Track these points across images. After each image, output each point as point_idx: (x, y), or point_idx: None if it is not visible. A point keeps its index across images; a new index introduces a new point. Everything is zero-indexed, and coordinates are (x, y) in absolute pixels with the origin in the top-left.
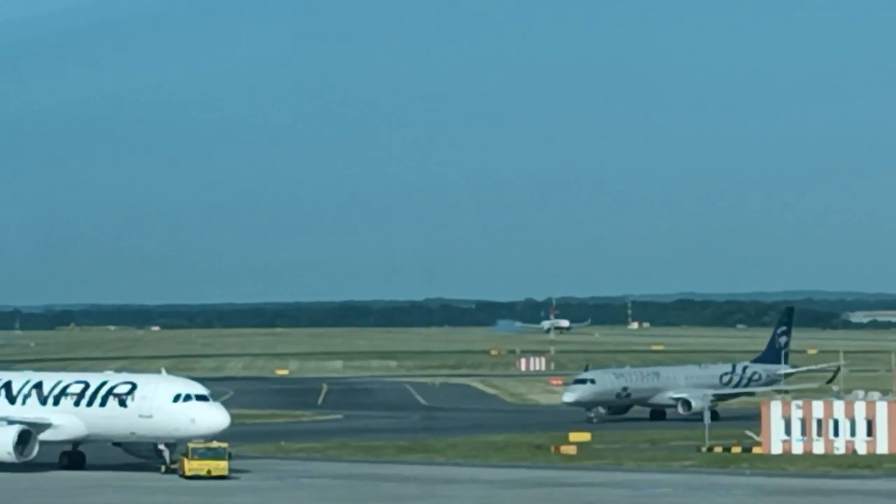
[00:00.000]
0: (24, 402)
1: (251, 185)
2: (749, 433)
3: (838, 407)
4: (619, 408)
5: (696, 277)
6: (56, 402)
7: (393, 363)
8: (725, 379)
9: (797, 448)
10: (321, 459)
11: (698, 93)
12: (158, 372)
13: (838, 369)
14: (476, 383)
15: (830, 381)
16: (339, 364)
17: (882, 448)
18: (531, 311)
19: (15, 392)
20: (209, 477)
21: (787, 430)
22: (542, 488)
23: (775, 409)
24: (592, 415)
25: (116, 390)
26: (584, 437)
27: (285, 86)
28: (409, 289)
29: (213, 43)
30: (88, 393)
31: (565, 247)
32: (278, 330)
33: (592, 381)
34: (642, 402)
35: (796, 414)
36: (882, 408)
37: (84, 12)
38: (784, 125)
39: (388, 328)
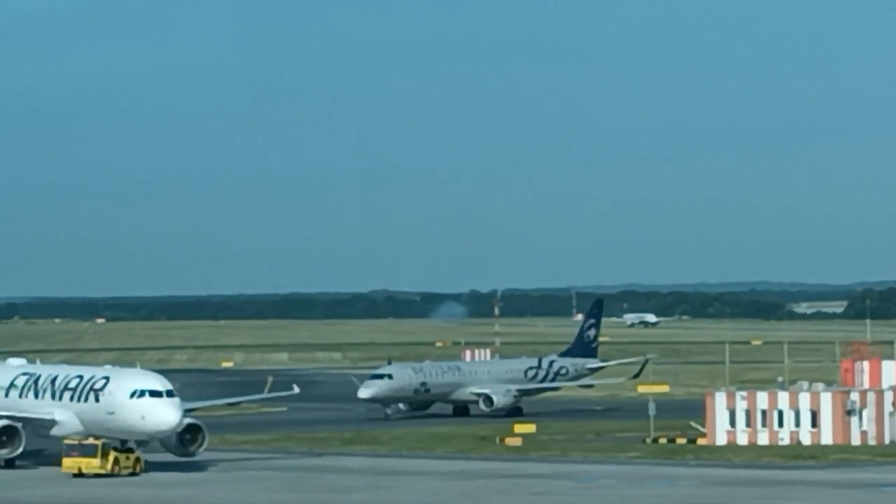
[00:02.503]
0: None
1: (197, 176)
2: (694, 424)
3: (783, 398)
4: (420, 404)
5: (640, 268)
6: (56, 397)
7: (338, 355)
8: (531, 374)
9: (742, 439)
10: (266, 452)
11: (646, 76)
12: (101, 365)
13: (645, 363)
14: None
15: (637, 375)
16: (283, 356)
17: (827, 439)
18: (475, 303)
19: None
20: (106, 475)
21: (732, 421)
22: (488, 479)
23: (720, 399)
24: (390, 411)
25: (95, 385)
26: (530, 428)
27: (233, 75)
28: (354, 281)
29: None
30: (80, 387)
31: (510, 238)
32: (222, 322)
33: (390, 377)
34: (443, 398)
35: (741, 405)
36: (826, 398)
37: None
38: (735, 112)
39: (333, 320)
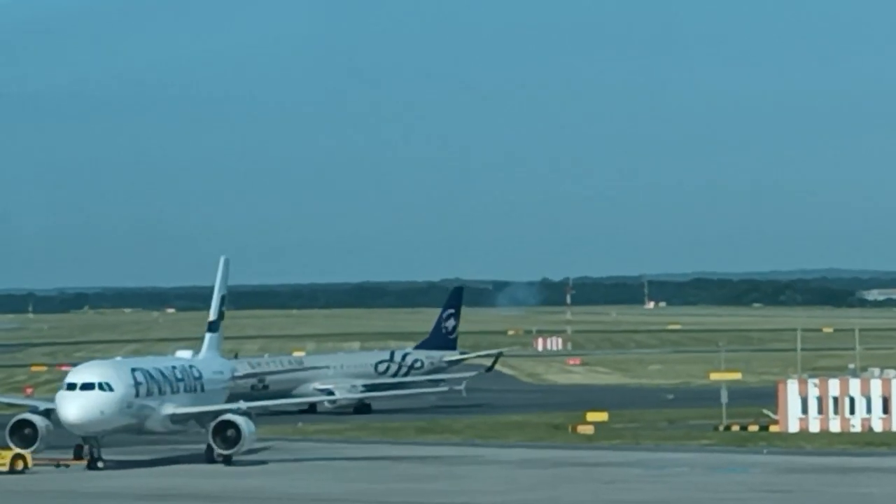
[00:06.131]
0: None
1: (266, 167)
2: (766, 412)
3: (854, 385)
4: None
5: (711, 256)
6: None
7: (410, 344)
8: (382, 367)
9: (814, 426)
10: (339, 441)
11: (716, 60)
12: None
13: (499, 355)
14: None
15: (490, 368)
16: (356, 345)
17: None
18: (547, 291)
19: None
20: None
21: (804, 409)
22: (560, 468)
23: (792, 387)
24: None
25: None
26: (602, 416)
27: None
28: (426, 269)
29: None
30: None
31: (581, 226)
32: (294, 312)
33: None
34: (284, 394)
35: (813, 392)
36: None
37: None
38: (806, 96)
39: (406, 309)
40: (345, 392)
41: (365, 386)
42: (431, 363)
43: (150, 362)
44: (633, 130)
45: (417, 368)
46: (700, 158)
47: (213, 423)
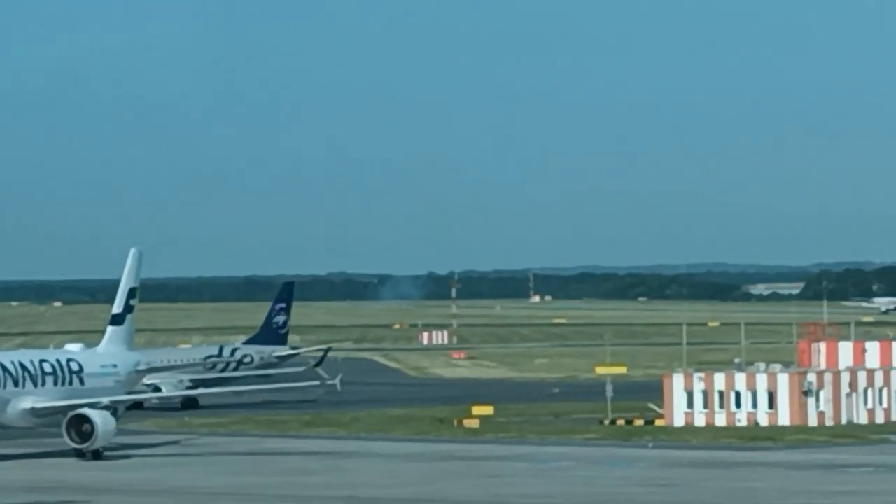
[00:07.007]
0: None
1: (157, 158)
2: (652, 406)
3: (740, 379)
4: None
5: (597, 251)
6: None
7: (296, 338)
8: (210, 363)
9: (700, 420)
10: (225, 434)
11: (605, 60)
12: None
13: (327, 351)
14: (378, 357)
15: (317, 364)
16: (242, 338)
17: (784, 420)
18: (433, 285)
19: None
20: None
21: (690, 403)
22: (446, 462)
23: (678, 381)
24: None
25: None
26: (487, 410)
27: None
28: (312, 263)
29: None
30: None
31: (467, 221)
32: (181, 305)
33: None
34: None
35: (699, 386)
36: (783, 380)
37: None
38: (689, 95)
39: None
40: (171, 388)
41: (192, 381)
42: (262, 358)
43: (12, 355)
44: (521, 126)
45: (247, 364)
46: (587, 154)
47: (66, 418)
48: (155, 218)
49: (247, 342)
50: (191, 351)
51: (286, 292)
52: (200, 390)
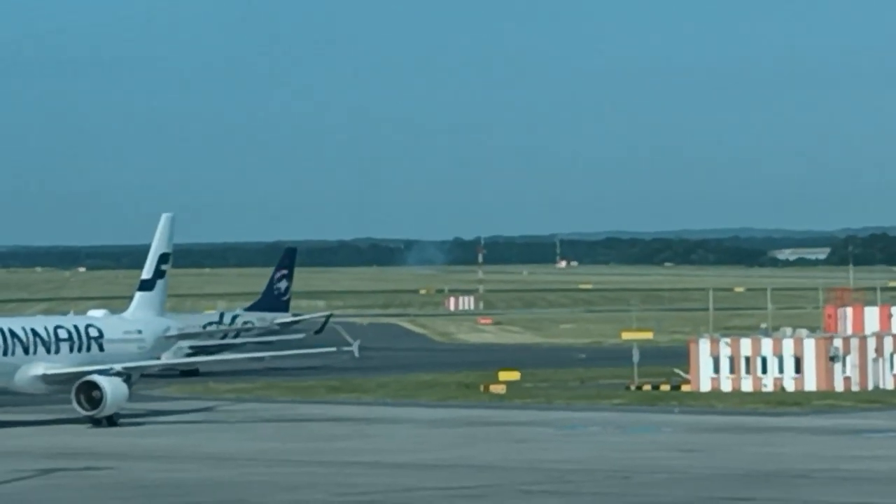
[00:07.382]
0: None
1: (178, 127)
2: (677, 371)
3: (766, 344)
4: None
5: (623, 216)
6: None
7: (321, 303)
8: (210, 329)
9: (726, 385)
10: (250, 400)
11: (629, 27)
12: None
13: (328, 318)
14: (404, 323)
15: (319, 331)
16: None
17: (810, 385)
18: (459, 250)
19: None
20: None
21: (716, 368)
22: (471, 427)
23: (704, 346)
24: None
25: None
26: (514, 375)
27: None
28: (338, 228)
29: None
30: None
31: (493, 186)
32: (206, 270)
33: None
34: None
35: (725, 351)
36: (810, 345)
37: None
38: (717, 61)
39: (317, 268)
40: (169, 354)
41: (192, 348)
42: (263, 325)
43: (24, 321)
44: (548, 91)
45: (248, 330)
46: (613, 120)
47: (75, 384)
48: (181, 184)
49: (248, 309)
50: (190, 318)
51: (288, 258)
52: (200, 358)
